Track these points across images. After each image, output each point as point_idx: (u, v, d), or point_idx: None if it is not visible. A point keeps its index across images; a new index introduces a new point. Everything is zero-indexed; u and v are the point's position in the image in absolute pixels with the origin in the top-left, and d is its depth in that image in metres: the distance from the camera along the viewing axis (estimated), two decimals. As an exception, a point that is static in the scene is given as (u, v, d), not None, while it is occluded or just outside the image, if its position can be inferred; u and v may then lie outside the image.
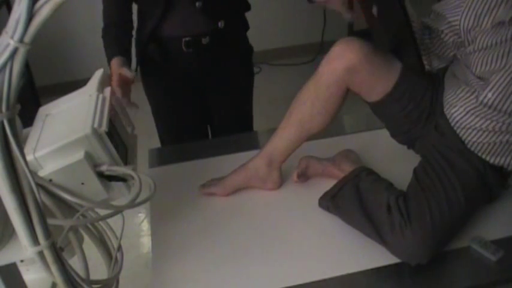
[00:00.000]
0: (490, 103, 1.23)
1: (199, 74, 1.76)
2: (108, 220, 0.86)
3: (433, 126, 1.38)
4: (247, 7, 1.79)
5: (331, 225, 1.32)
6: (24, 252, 0.65)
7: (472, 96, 1.28)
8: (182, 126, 1.90)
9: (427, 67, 1.37)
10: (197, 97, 1.85)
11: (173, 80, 1.76)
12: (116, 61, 1.53)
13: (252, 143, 1.65)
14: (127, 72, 1.49)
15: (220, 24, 1.66)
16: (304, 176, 1.48)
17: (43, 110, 0.98)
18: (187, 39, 1.65)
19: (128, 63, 1.56)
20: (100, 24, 1.68)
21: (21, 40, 0.53)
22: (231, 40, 1.73)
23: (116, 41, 1.60)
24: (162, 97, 1.82)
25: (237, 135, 1.84)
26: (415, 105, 1.38)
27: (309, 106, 1.38)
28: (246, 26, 1.84)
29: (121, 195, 0.92)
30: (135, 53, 1.71)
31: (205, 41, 1.65)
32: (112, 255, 0.89)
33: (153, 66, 1.73)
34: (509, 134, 1.26)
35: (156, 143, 2.02)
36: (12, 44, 0.53)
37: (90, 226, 0.88)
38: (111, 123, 0.98)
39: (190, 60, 1.67)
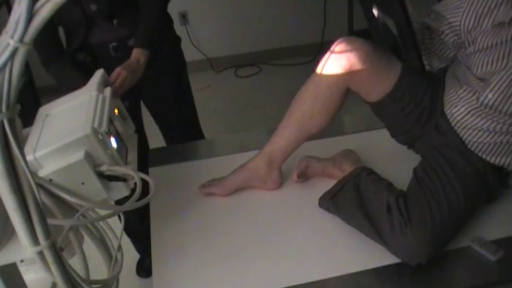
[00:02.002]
0: (490, 104, 1.23)
1: None
2: (108, 220, 0.86)
3: (434, 126, 1.38)
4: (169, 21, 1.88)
5: (331, 225, 1.32)
6: (24, 252, 0.65)
7: (473, 97, 1.28)
8: None
9: (427, 67, 1.37)
10: (132, 98, 1.85)
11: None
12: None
13: (252, 143, 1.65)
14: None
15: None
16: (304, 176, 1.48)
17: (43, 110, 0.98)
18: (113, 44, 1.71)
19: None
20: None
21: (21, 40, 0.53)
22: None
23: (74, 72, 1.67)
24: None
25: (237, 135, 1.84)
26: (415, 105, 1.38)
27: (309, 106, 1.38)
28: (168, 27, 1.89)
29: (121, 195, 0.92)
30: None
31: (131, 42, 1.70)
32: (112, 255, 0.89)
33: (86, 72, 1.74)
34: (509, 134, 1.26)
35: (156, 143, 2.02)
36: (12, 44, 0.53)
37: (90, 226, 0.88)
38: (111, 123, 0.98)
39: (120, 64, 1.66)
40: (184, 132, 2.04)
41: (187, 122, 2.05)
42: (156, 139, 2.03)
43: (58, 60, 1.70)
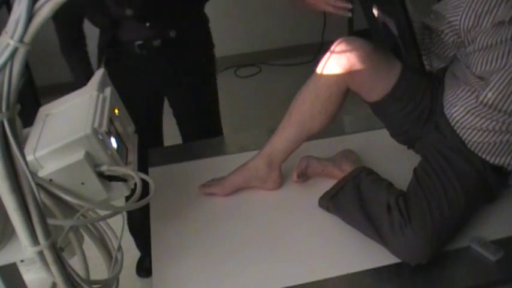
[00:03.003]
0: (490, 103, 1.23)
1: (156, 74, 1.82)
2: (108, 220, 0.86)
3: (433, 126, 1.38)
4: (205, 18, 1.93)
5: (331, 225, 1.32)
6: (24, 252, 0.65)
7: (472, 96, 1.28)
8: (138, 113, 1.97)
9: (427, 67, 1.37)
10: (156, 96, 1.92)
11: (133, 80, 1.81)
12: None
13: (252, 143, 1.65)
14: None
15: (172, 33, 1.73)
16: (304, 176, 1.48)
17: (43, 110, 0.98)
18: (139, 42, 1.71)
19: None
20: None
21: (21, 40, 0.53)
22: (186, 43, 1.80)
23: (84, 61, 1.73)
24: (123, 96, 1.88)
25: (237, 136, 1.84)
26: (415, 105, 1.38)
27: (309, 106, 1.38)
28: (204, 33, 1.95)
29: (121, 195, 0.92)
30: (97, 55, 1.78)
31: (156, 43, 1.71)
32: (112, 255, 0.89)
33: (114, 68, 1.78)
34: (509, 133, 1.26)
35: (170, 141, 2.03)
36: (12, 44, 0.53)
37: (90, 226, 0.88)
38: (111, 123, 0.98)
39: (145, 61, 1.74)
40: (202, 126, 2.03)
41: (207, 115, 2.04)
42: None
43: (77, 51, 1.73)
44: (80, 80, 1.69)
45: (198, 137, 1.95)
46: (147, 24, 1.68)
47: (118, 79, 1.77)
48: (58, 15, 1.78)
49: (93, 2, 1.62)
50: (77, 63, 1.72)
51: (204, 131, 2.00)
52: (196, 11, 1.84)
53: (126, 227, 2.06)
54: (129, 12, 1.62)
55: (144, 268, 2.24)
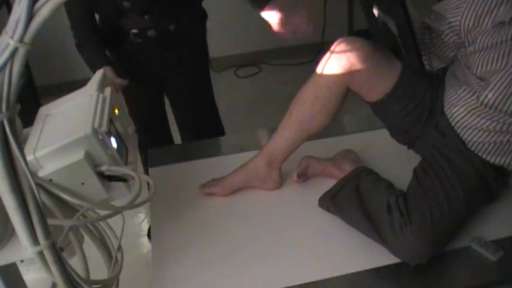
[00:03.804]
0: (490, 103, 1.23)
1: (152, 63, 1.90)
2: (108, 220, 0.86)
3: (433, 126, 1.38)
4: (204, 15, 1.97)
5: (331, 225, 1.32)
6: (24, 252, 0.65)
7: (473, 97, 1.28)
8: (140, 109, 2.01)
9: (427, 67, 1.37)
10: (154, 84, 1.99)
11: (133, 65, 1.89)
12: (108, 70, 1.67)
13: (252, 143, 1.65)
14: (120, 81, 1.68)
15: (171, 27, 1.81)
16: (304, 176, 1.48)
17: (43, 110, 0.98)
18: (134, 31, 1.79)
19: (115, 71, 1.72)
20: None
21: (21, 40, 0.53)
22: (182, 35, 1.87)
23: (100, 52, 1.77)
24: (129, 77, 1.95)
25: (237, 136, 1.84)
26: (415, 105, 1.38)
27: (309, 106, 1.38)
28: (199, 24, 1.98)
29: (121, 195, 0.92)
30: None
31: (151, 33, 1.79)
32: (112, 255, 0.89)
33: (114, 53, 1.89)
34: (509, 134, 1.26)
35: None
36: (12, 44, 0.53)
37: (90, 226, 0.88)
38: (111, 123, 0.98)
39: (142, 49, 1.83)
40: (202, 125, 2.10)
41: (207, 113, 2.11)
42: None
43: (90, 43, 1.77)
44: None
45: (196, 130, 2.04)
46: (146, 17, 1.76)
47: (122, 63, 1.85)
48: (73, 10, 1.80)
49: None
50: (93, 56, 1.75)
51: (202, 124, 2.08)
52: (194, 5, 1.90)
53: (125, 227, 2.06)
54: (126, 4, 1.70)
55: None
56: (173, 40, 1.84)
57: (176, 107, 2.09)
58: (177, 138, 2.25)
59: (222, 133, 2.18)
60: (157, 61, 1.90)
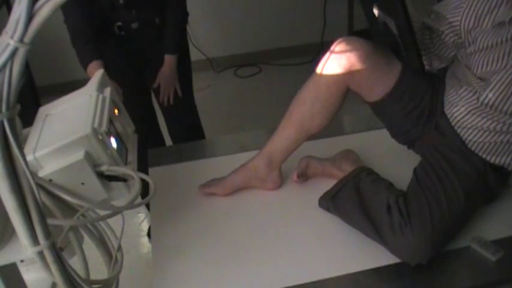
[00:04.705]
0: (490, 103, 1.23)
1: (137, 54, 1.97)
2: (108, 220, 0.86)
3: (434, 126, 1.38)
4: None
5: (331, 225, 1.32)
6: (24, 252, 0.65)
7: (474, 97, 1.28)
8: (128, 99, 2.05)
9: (427, 67, 1.37)
10: (139, 74, 2.05)
11: (118, 57, 1.95)
12: (94, 66, 1.72)
13: (252, 143, 1.65)
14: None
15: (157, 21, 1.91)
16: (304, 176, 1.48)
17: (43, 110, 0.98)
18: (118, 23, 1.88)
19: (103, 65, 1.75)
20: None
21: (21, 40, 0.53)
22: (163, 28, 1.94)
23: (86, 46, 1.78)
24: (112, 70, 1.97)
25: (237, 136, 1.84)
26: (415, 105, 1.38)
27: (309, 106, 1.38)
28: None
29: (121, 195, 0.92)
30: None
31: (134, 25, 1.88)
32: (112, 255, 0.89)
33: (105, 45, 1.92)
34: (509, 134, 1.26)
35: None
36: (12, 44, 0.53)
37: (90, 226, 0.88)
38: (111, 123, 0.98)
39: (123, 41, 1.91)
40: (184, 118, 2.16)
41: (187, 106, 2.15)
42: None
43: (85, 41, 1.80)
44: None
45: (179, 130, 2.13)
46: (133, 11, 1.86)
47: (108, 55, 1.89)
48: (68, 5, 1.81)
49: None
50: (88, 53, 1.77)
51: (181, 122, 2.15)
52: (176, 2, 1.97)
53: (125, 227, 2.06)
54: (121, 0, 1.82)
55: None
56: (154, 32, 1.91)
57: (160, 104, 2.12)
58: (168, 140, 2.26)
59: (201, 132, 2.23)
60: (140, 54, 1.96)
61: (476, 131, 1.29)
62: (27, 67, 2.18)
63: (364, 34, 1.43)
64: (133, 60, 1.97)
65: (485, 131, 1.27)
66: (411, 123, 1.41)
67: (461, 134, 1.32)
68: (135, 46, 1.93)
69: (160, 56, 1.96)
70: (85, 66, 1.75)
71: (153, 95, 2.11)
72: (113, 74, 1.86)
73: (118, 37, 1.89)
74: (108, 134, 0.91)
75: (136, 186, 0.84)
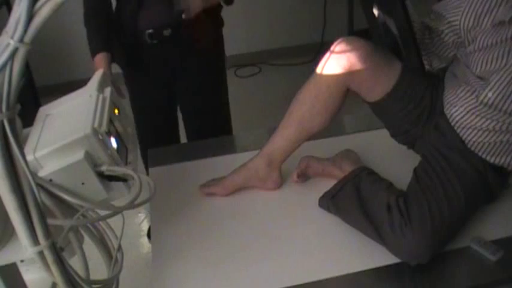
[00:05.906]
0: (490, 103, 1.23)
1: (167, 64, 1.86)
2: (108, 220, 0.86)
3: (433, 126, 1.38)
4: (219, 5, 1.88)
5: (331, 225, 1.32)
6: (24, 252, 0.65)
7: (473, 96, 1.28)
8: (152, 111, 1.99)
9: (427, 67, 1.37)
10: (167, 86, 1.94)
11: (145, 68, 1.86)
12: (101, 58, 1.64)
13: (252, 143, 1.65)
14: (109, 73, 1.62)
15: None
16: (304, 176, 1.48)
17: (43, 110, 0.98)
18: (150, 31, 1.75)
19: (111, 58, 1.67)
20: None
21: (21, 40, 0.53)
22: (196, 33, 1.81)
23: (99, 32, 1.70)
24: (137, 83, 1.93)
25: (237, 136, 1.84)
26: (415, 105, 1.38)
27: (309, 106, 1.38)
28: (217, 23, 1.92)
29: (121, 195, 0.92)
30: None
31: (167, 32, 1.75)
32: (112, 255, 0.89)
33: (127, 55, 1.85)
34: (509, 133, 1.26)
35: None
36: (12, 44, 0.53)
37: (90, 226, 0.88)
38: (111, 123, 0.98)
39: (155, 50, 1.79)
40: (208, 122, 2.04)
41: (215, 110, 2.05)
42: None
43: (97, 18, 1.72)
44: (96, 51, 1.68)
45: (202, 133, 1.97)
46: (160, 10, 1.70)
47: (135, 66, 1.83)
48: None
49: None
50: (99, 42, 1.69)
51: (209, 128, 2.01)
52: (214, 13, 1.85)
53: (125, 227, 2.06)
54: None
55: None
56: (186, 40, 1.79)
57: (185, 111, 2.03)
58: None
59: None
60: (169, 63, 1.85)
61: (475, 131, 1.29)
62: (27, 67, 2.18)
63: (364, 34, 1.43)
64: (163, 70, 1.86)
65: (484, 131, 1.27)
66: (411, 123, 1.41)
67: (460, 134, 1.32)
68: (166, 55, 1.81)
69: (190, 66, 1.86)
70: (92, 53, 1.67)
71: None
72: (144, 85, 1.81)
73: (150, 46, 1.76)
74: (108, 134, 0.91)
75: (136, 186, 0.84)
